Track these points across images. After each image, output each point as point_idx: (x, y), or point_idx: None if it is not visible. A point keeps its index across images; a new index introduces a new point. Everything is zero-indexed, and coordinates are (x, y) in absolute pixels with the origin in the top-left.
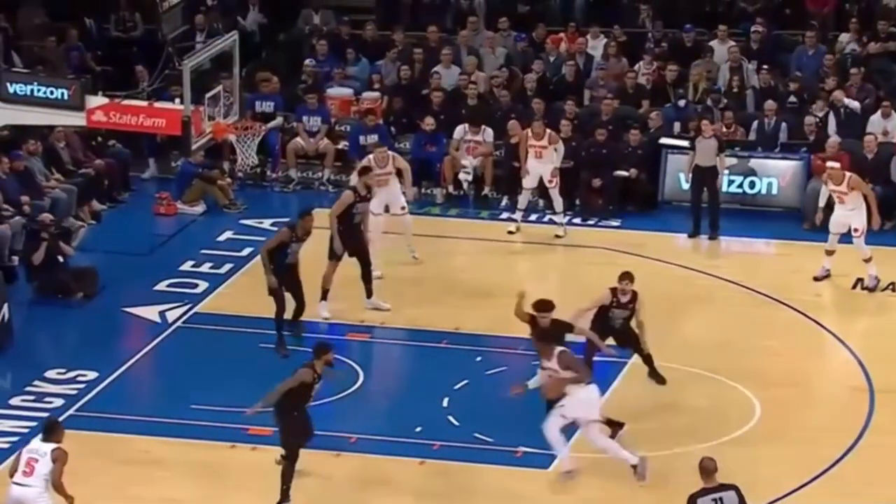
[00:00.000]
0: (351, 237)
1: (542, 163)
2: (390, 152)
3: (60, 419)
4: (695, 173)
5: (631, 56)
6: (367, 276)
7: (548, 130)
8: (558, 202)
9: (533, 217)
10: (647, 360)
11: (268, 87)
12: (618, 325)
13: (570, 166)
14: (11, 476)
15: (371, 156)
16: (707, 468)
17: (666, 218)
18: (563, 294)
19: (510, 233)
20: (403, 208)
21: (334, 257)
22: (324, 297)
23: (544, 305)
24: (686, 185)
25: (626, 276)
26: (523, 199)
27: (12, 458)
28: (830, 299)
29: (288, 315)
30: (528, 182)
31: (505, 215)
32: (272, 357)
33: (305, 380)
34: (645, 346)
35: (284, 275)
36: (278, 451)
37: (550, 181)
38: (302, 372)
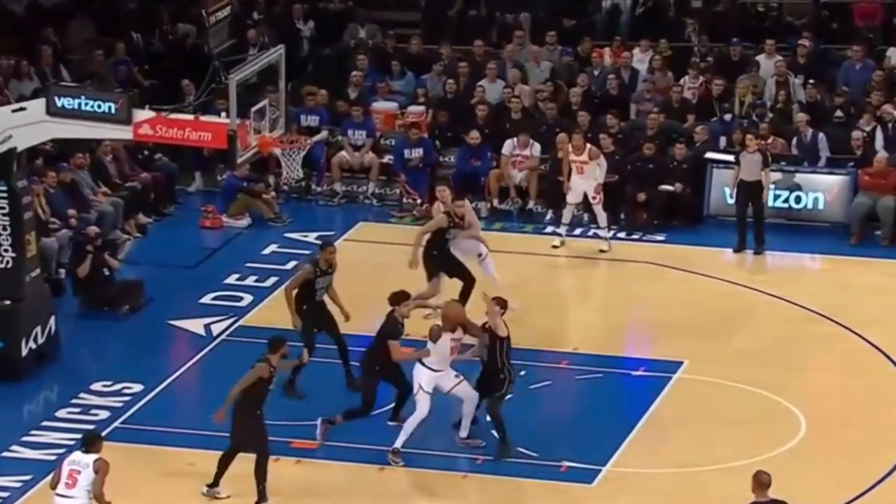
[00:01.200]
0: (446, 261)
1: (585, 178)
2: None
3: (106, 431)
4: (740, 188)
5: (677, 70)
6: (466, 293)
7: (588, 145)
8: (602, 217)
9: (577, 231)
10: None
11: (313, 100)
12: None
13: (614, 181)
14: (53, 488)
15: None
16: (762, 481)
17: (711, 233)
18: (607, 308)
19: (555, 247)
20: (480, 255)
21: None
22: None
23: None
24: (731, 200)
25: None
26: (567, 214)
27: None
28: (877, 315)
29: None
30: (572, 197)
31: (549, 229)
32: (315, 370)
33: (262, 375)
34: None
35: (315, 314)
36: (272, 460)
37: (594, 197)
38: (258, 367)
